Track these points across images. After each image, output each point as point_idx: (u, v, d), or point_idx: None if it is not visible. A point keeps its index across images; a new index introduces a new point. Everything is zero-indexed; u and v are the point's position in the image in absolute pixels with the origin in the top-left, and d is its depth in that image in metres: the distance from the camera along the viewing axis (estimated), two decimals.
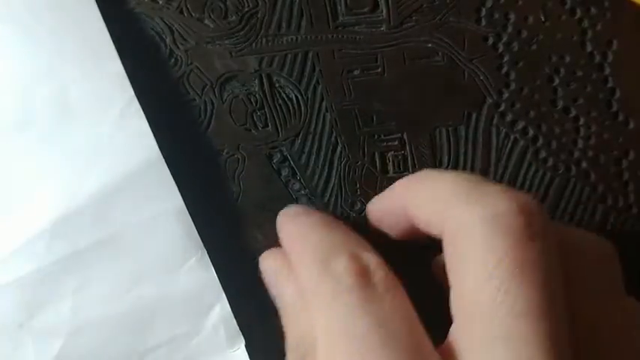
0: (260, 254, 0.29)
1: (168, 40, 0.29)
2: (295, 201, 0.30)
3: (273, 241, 0.29)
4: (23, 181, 0.28)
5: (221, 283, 0.29)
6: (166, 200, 0.28)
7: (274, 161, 0.30)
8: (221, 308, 0.29)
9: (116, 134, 0.28)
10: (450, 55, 0.29)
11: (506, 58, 0.29)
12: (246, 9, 0.29)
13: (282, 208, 0.29)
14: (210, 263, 0.29)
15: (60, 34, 0.28)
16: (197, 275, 0.28)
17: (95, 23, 0.28)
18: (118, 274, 0.28)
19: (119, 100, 0.28)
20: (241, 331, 0.29)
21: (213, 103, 0.29)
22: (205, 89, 0.29)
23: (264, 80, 0.29)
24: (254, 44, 0.29)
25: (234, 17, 0.29)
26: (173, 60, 0.29)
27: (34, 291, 0.28)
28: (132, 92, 0.28)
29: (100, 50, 0.28)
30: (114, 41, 0.28)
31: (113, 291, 0.28)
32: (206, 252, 0.28)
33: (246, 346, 0.29)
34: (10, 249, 0.28)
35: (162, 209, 0.28)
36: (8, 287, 0.28)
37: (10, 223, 0.28)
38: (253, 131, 0.29)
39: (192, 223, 0.28)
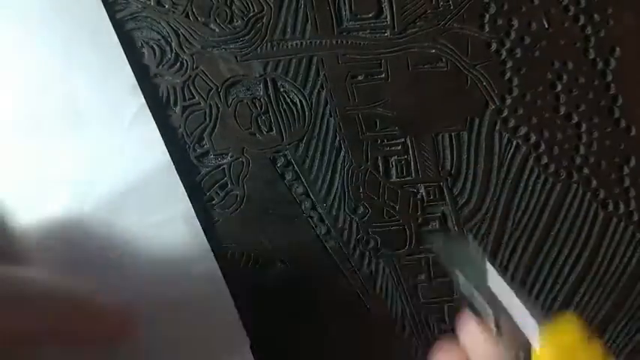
0: (264, 257, 0.30)
1: (174, 44, 0.29)
2: (299, 205, 0.30)
3: (276, 244, 0.29)
4: (33, 187, 0.28)
5: (228, 286, 0.29)
6: (175, 205, 0.28)
7: (278, 165, 0.30)
8: (227, 310, 0.29)
9: (127, 141, 0.28)
10: (453, 60, 0.29)
11: (509, 64, 0.29)
12: (252, 14, 0.29)
13: (285, 212, 0.30)
14: (218, 267, 0.29)
15: (71, 41, 0.28)
16: (204, 279, 0.29)
17: (106, 31, 0.28)
18: (126, 279, 0.28)
19: (130, 107, 0.28)
20: (247, 333, 0.29)
21: (218, 107, 0.29)
22: (211, 93, 0.29)
23: (269, 85, 0.29)
24: (259, 49, 0.29)
25: (239, 22, 0.29)
26: (179, 64, 0.29)
27: None
28: (143, 100, 0.28)
29: (111, 58, 0.28)
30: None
31: (121, 295, 0.29)
32: (213, 256, 0.29)
33: (252, 348, 0.29)
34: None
35: (171, 214, 0.28)
36: None
37: (19, 228, 0.28)
38: (258, 135, 0.30)
39: (200, 227, 0.29)
